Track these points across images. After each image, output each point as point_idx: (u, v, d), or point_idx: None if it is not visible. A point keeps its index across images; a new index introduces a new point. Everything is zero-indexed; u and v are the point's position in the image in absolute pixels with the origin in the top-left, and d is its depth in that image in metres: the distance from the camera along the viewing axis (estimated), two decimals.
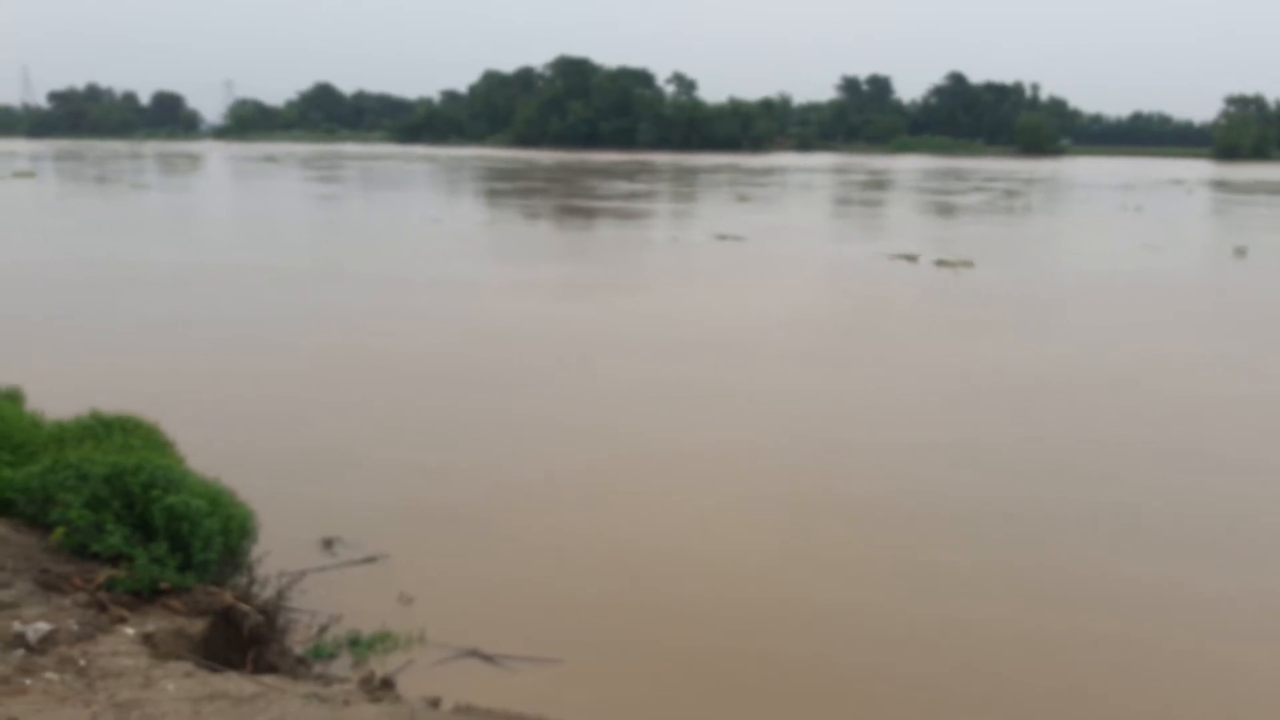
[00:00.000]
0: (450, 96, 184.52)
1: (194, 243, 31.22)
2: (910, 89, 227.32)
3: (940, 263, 26.28)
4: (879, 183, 73.06)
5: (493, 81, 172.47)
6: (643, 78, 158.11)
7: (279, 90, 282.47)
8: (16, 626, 4.77)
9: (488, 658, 6.66)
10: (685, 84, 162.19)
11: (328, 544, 8.30)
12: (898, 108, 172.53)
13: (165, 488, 6.09)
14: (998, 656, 6.92)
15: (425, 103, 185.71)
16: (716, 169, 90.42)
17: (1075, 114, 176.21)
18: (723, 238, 32.33)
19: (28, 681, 4.27)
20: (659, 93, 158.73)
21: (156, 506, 5.98)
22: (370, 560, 8.07)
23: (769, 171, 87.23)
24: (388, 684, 5.81)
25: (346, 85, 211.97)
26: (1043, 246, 33.90)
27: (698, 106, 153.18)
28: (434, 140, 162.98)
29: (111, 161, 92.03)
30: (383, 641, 6.79)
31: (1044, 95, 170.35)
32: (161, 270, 23.88)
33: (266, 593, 6.33)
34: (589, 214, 43.74)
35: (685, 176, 78.18)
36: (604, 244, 33.27)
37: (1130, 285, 24.03)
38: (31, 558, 5.83)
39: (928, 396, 13.43)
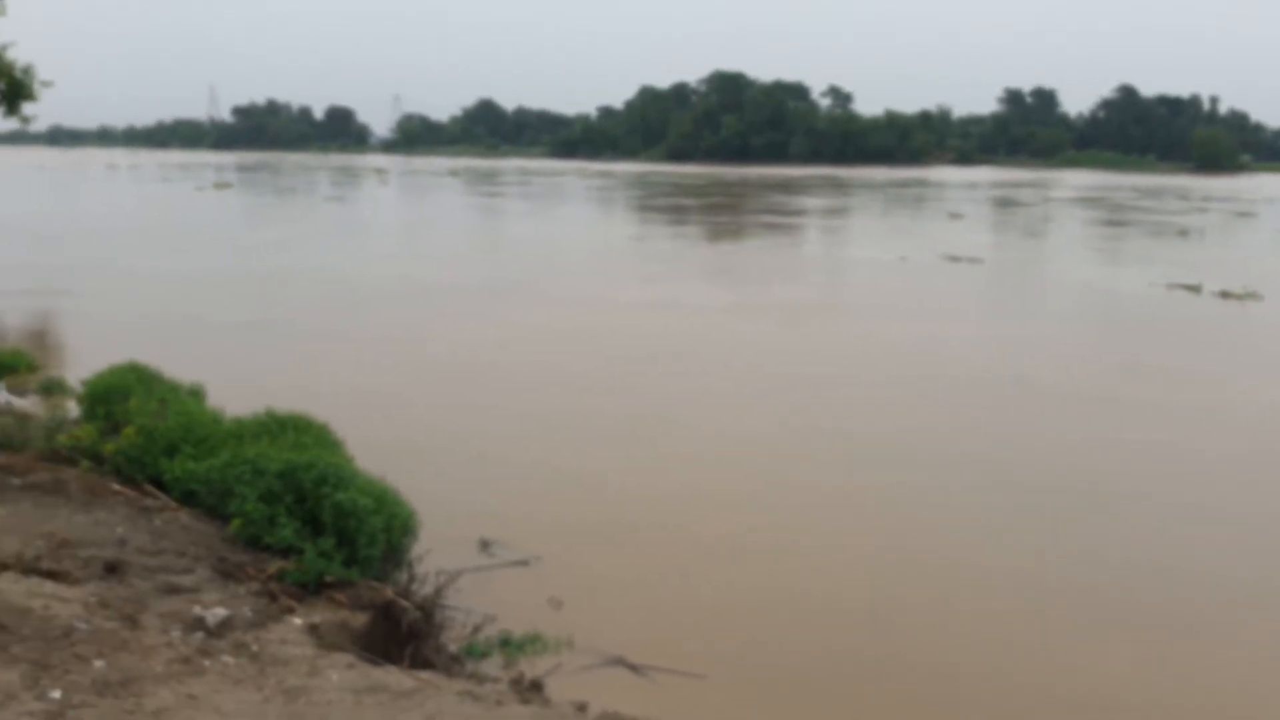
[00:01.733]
0: (606, 112, 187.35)
1: (396, 257, 31.02)
2: (1077, 101, 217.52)
3: (1224, 294, 23.24)
4: (1085, 199, 67.58)
5: (648, 97, 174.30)
6: (797, 91, 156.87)
7: (444, 106, 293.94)
8: (197, 610, 5.04)
9: (633, 667, 6.65)
10: (841, 96, 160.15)
11: (484, 545, 8.48)
12: (1063, 121, 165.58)
13: (334, 485, 6.34)
14: None
15: (583, 119, 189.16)
16: (906, 183, 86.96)
17: (1258, 128, 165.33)
18: (954, 259, 29.95)
19: (206, 663, 4.50)
20: (813, 105, 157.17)
21: (326, 502, 6.23)
22: (523, 563, 8.21)
23: (945, 185, 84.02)
24: (537, 686, 5.89)
25: (508, 101, 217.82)
26: None
27: (853, 119, 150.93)
28: (590, 155, 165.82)
29: (298, 174, 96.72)
30: (533, 644, 6.87)
31: (1223, 109, 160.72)
32: (364, 284, 24.05)
33: (425, 590, 6.50)
34: (791, 230, 42.19)
35: (871, 191, 75.11)
36: (830, 264, 31.46)
37: None
38: (211, 546, 6.17)
39: None
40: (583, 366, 15.61)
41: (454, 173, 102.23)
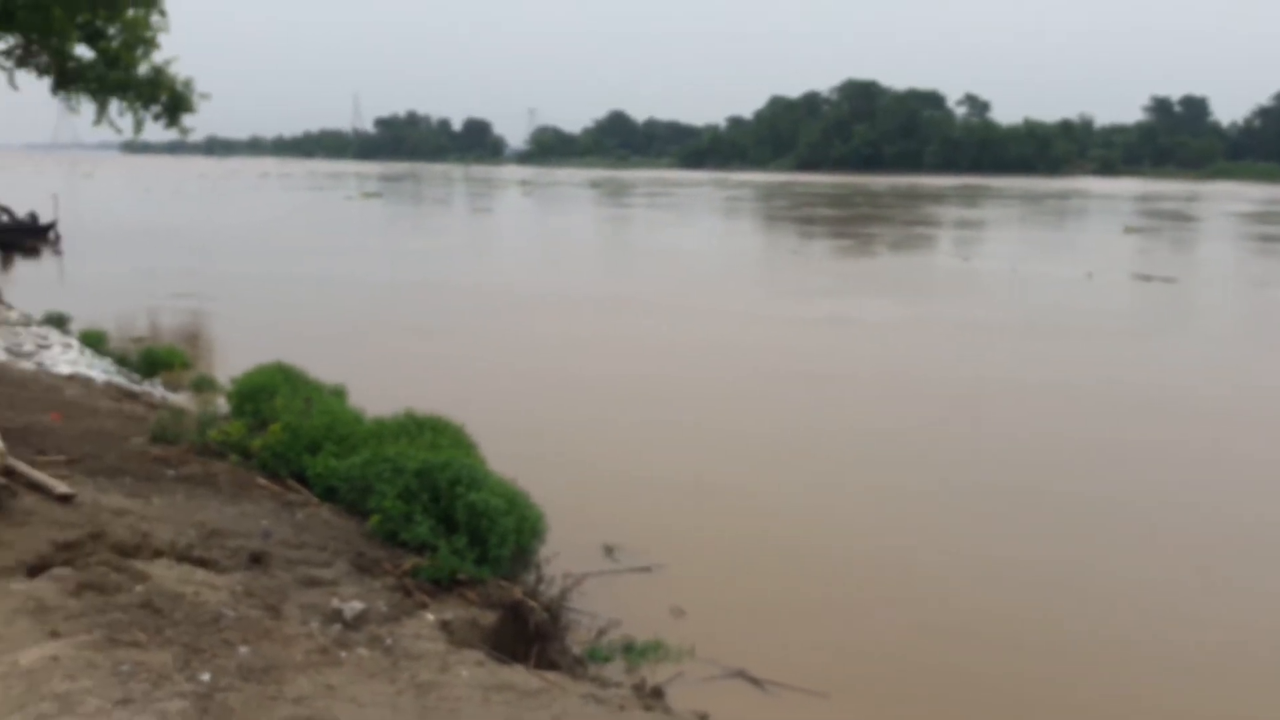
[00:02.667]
0: (735, 122, 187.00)
1: (552, 270, 30.22)
2: (1229, 110, 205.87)
3: None
4: (1262, 214, 61.39)
5: (778, 106, 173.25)
6: (931, 99, 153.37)
7: (576, 118, 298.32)
8: (335, 603, 5.20)
9: (755, 681, 6.57)
10: (977, 105, 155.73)
11: (608, 550, 8.53)
12: (1215, 130, 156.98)
13: (468, 485, 6.47)
14: None
15: (711, 129, 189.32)
16: (1055, 194, 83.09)
17: None
18: (1145, 277, 27.93)
19: (343, 654, 4.63)
20: (948, 114, 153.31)
21: (460, 502, 6.36)
22: (646, 569, 8.22)
23: (1096, 197, 79.96)
24: (658, 693, 5.87)
25: (638, 113, 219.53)
26: None
27: (990, 128, 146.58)
28: (717, 165, 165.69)
29: (442, 185, 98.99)
30: (655, 651, 6.86)
31: None
32: (519, 296, 23.81)
33: (551, 592, 6.57)
34: (954, 242, 39.88)
35: (1024, 202, 71.35)
36: (1010, 280, 28.34)
37: None
38: (350, 541, 6.36)
39: None
40: (740, 381, 15.30)
41: (594, 184, 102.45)
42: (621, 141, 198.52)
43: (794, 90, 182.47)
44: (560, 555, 7.01)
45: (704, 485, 10.41)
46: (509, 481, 7.11)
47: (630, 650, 6.81)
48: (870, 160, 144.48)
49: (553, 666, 6.01)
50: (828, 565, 8.60)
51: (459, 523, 6.34)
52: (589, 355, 17.08)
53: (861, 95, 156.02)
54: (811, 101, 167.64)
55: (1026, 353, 17.62)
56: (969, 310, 22.61)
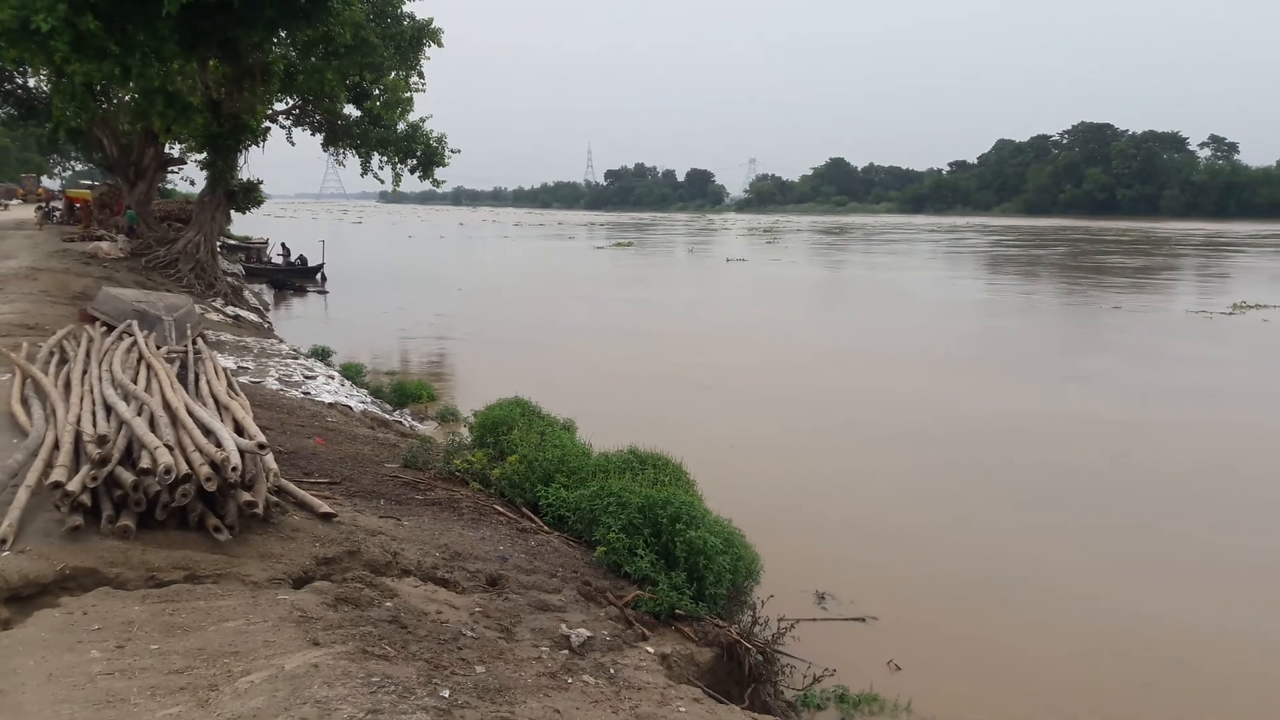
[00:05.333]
0: (959, 166, 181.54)
1: (829, 323, 28.37)
2: None
3: None
4: None
5: (1005, 150, 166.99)
6: (1172, 140, 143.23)
7: (793, 166, 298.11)
8: (563, 629, 5.34)
9: None
10: (1223, 146, 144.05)
11: (820, 597, 8.37)
12: None
13: (687, 522, 6.53)
14: None
15: (933, 174, 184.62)
16: None
17: None
18: None
19: (569, 680, 4.73)
20: (1190, 156, 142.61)
21: (679, 539, 6.43)
22: (860, 620, 7.99)
23: None
24: None
25: (857, 159, 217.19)
26: None
27: (1237, 170, 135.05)
28: (938, 210, 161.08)
29: (683, 232, 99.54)
30: (869, 703, 6.65)
31: None
32: (782, 347, 22.71)
33: (766, 634, 6.50)
34: None
35: None
36: None
37: None
38: (577, 569, 6.54)
39: None
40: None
41: (838, 229, 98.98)
42: (840, 188, 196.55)
43: (1020, 134, 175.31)
44: (774, 598, 6.93)
45: (921, 540, 10.05)
46: (726, 520, 7.13)
47: (844, 700, 6.63)
48: (1103, 205, 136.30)
49: (765, 710, 5.92)
50: (1052, 624, 8.08)
51: (678, 558, 6.41)
52: (851, 408, 16.44)
53: (1095, 138, 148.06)
54: (1040, 145, 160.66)
55: None
56: None
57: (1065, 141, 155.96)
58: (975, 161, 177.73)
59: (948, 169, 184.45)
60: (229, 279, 27.97)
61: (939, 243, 77.93)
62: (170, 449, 5.43)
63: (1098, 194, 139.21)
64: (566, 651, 5.10)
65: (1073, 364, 20.85)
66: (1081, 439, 14.22)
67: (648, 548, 6.51)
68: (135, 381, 7.32)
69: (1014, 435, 14.59)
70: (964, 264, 55.29)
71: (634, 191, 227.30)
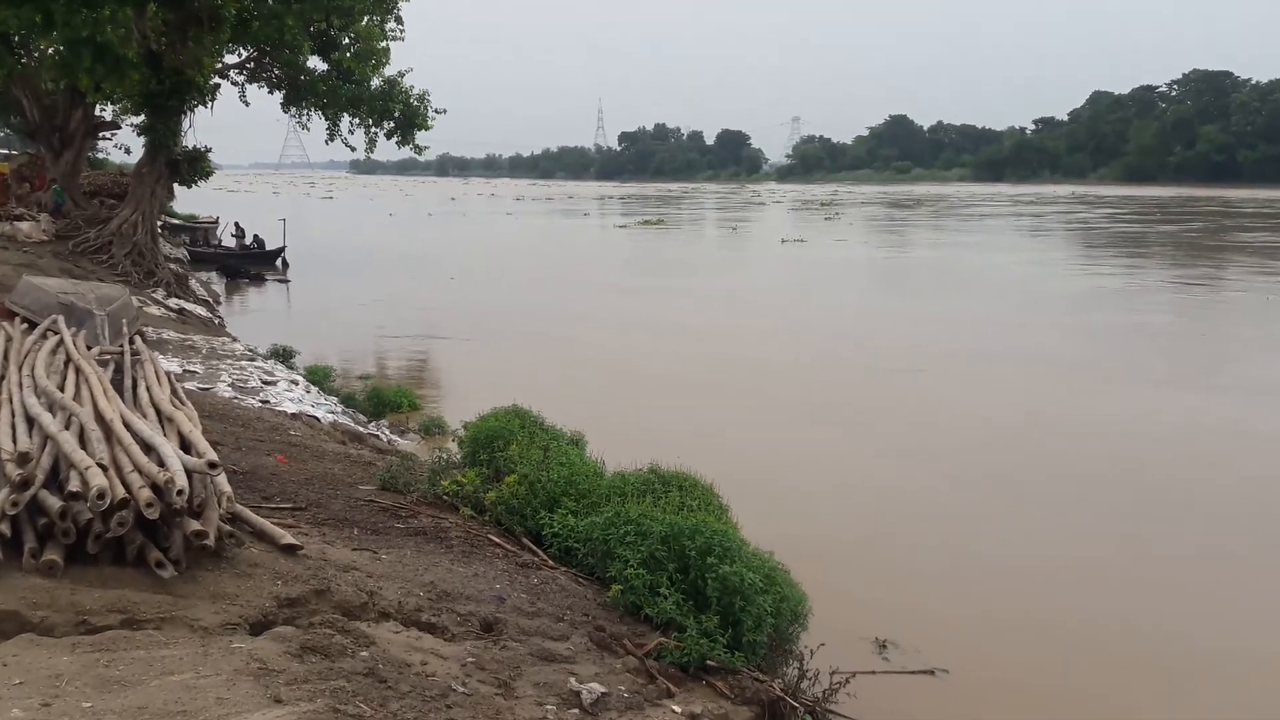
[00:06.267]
0: (1046, 124, 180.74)
1: (925, 323, 26.55)
2: None
3: None
4: None
5: (1101, 104, 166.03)
6: None
7: (846, 127, 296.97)
8: (573, 684, 5.36)
9: None
10: None
11: (881, 645, 8.36)
12: None
13: (721, 556, 6.52)
14: None
15: (1014, 133, 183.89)
16: None
17: None
18: None
19: None
20: None
21: (711, 575, 6.42)
22: (929, 672, 7.97)
23: None
24: None
25: (922, 118, 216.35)
26: None
27: None
28: (1021, 177, 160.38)
29: (717, 207, 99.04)
30: None
31: None
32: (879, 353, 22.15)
33: (815, 690, 6.49)
34: None
35: None
36: None
37: None
38: (588, 611, 6.56)
39: None
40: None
41: (912, 201, 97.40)
42: (902, 151, 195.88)
43: (1121, 85, 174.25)
44: (825, 646, 6.91)
45: (1009, 578, 10.02)
46: (766, 554, 7.12)
47: None
48: (1222, 169, 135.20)
49: None
50: (1184, 685, 8.08)
51: (709, 599, 6.40)
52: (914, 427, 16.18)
53: (1212, 89, 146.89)
54: (1143, 98, 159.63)
55: None
56: None
57: (1174, 94, 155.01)
58: (1065, 119, 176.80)
59: (1032, 128, 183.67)
60: (172, 266, 28.27)
61: (1043, 216, 77.10)
62: (104, 469, 5.48)
63: (1214, 156, 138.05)
64: (576, 710, 5.12)
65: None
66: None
67: (673, 586, 6.51)
68: (62, 389, 7.38)
69: (1155, 453, 14.57)
70: (1083, 244, 54.61)
71: (654, 157, 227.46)
